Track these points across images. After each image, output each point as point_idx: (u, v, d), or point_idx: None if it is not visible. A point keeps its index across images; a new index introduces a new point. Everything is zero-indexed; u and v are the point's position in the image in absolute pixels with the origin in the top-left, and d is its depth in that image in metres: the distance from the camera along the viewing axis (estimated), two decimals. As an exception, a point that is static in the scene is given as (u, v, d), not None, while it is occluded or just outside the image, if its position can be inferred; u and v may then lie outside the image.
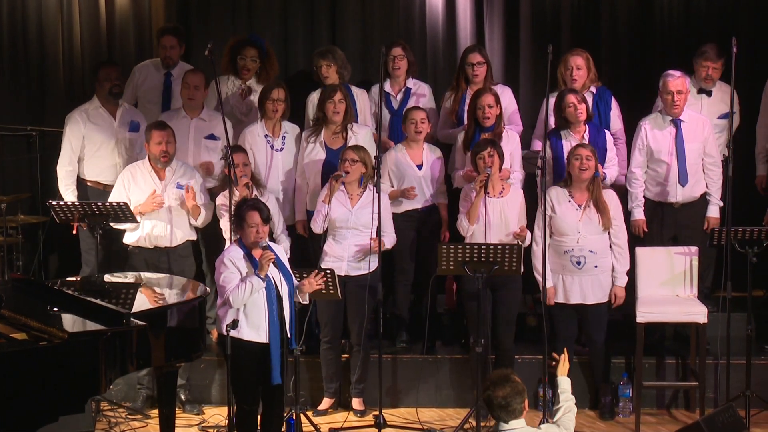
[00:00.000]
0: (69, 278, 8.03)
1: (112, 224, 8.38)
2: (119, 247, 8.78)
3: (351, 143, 8.60)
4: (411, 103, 9.06)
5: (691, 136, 8.56)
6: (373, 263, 8.25)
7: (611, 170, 8.60)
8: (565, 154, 8.38)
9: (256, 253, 7.07)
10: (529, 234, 8.18)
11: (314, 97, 9.08)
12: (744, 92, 9.10)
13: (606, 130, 8.67)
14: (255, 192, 8.28)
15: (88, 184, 8.94)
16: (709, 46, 8.93)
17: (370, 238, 8.16)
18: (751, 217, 8.78)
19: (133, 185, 8.42)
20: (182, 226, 8.51)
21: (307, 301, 7.41)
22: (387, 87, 9.08)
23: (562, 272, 8.23)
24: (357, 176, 8.21)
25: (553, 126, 8.62)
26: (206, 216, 8.51)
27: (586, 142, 8.41)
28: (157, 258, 8.45)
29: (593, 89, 8.87)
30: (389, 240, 8.32)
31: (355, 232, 8.24)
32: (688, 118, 8.59)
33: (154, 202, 8.33)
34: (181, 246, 8.54)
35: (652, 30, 9.85)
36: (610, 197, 8.21)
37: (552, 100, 8.52)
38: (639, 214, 8.70)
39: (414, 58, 9.19)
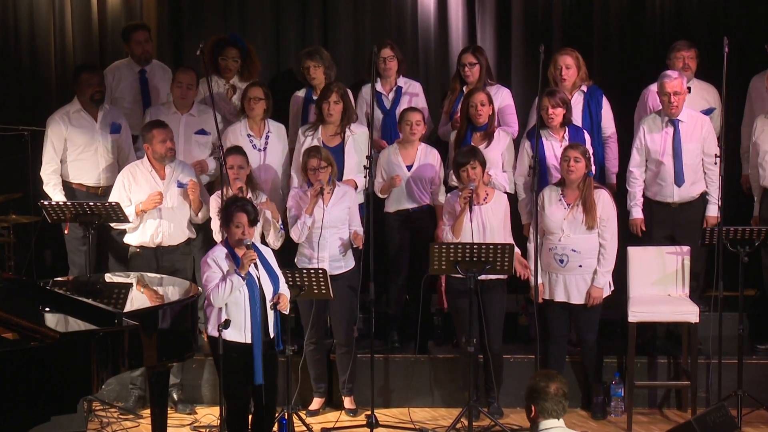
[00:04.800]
0: (60, 278, 8.04)
1: (112, 225, 8.40)
2: (112, 247, 8.78)
3: (348, 143, 8.61)
4: (403, 102, 9.08)
5: (689, 136, 8.57)
6: (351, 262, 8.27)
7: None
8: (546, 153, 8.44)
9: (240, 251, 7.08)
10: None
11: (299, 96, 9.14)
12: (736, 91, 9.11)
13: (585, 131, 8.64)
14: (249, 194, 8.26)
15: (73, 186, 8.91)
16: (678, 40, 9.03)
17: (350, 232, 8.21)
18: (743, 217, 8.78)
19: (134, 185, 8.41)
20: (183, 225, 8.53)
21: (287, 312, 7.37)
22: (378, 87, 9.08)
23: (548, 270, 8.25)
24: (326, 179, 8.22)
25: (533, 125, 8.64)
26: (206, 212, 8.52)
27: (567, 142, 8.43)
28: (158, 257, 8.47)
29: (584, 88, 8.89)
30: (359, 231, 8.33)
31: (332, 230, 8.24)
32: (687, 117, 8.59)
33: (155, 200, 8.33)
34: (182, 244, 8.56)
35: (643, 29, 9.85)
36: (601, 197, 8.20)
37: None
38: (637, 213, 8.72)
39: (403, 56, 9.19)
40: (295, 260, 8.35)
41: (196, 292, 7.34)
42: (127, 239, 8.55)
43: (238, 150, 8.42)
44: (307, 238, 8.24)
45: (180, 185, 8.45)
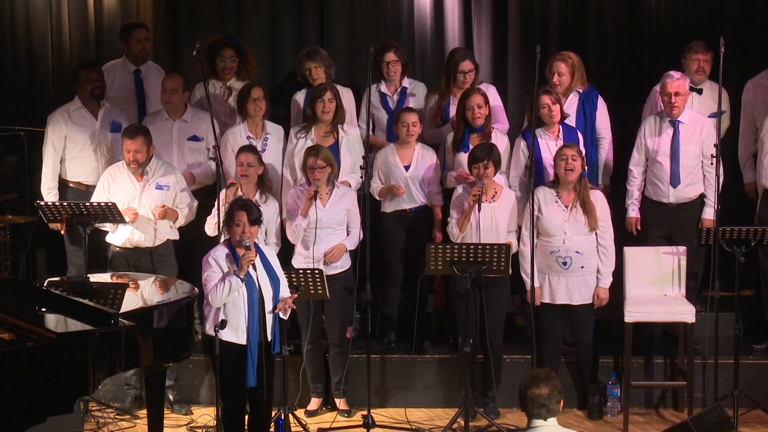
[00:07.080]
0: (56, 278, 8.03)
1: (95, 225, 8.36)
2: (104, 247, 8.78)
3: (342, 143, 8.60)
4: (408, 103, 9.04)
5: (688, 137, 8.57)
6: (347, 262, 8.27)
7: None
8: (542, 153, 8.42)
9: (241, 252, 7.07)
10: (514, 241, 8.20)
11: (299, 97, 9.09)
12: (732, 92, 9.10)
13: (578, 131, 8.66)
14: (257, 194, 8.25)
15: (71, 185, 8.92)
16: (696, 41, 9.00)
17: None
18: (740, 217, 8.78)
19: (113, 187, 8.40)
20: (163, 226, 8.49)
21: (286, 318, 7.37)
22: (383, 88, 9.06)
23: (548, 272, 8.23)
24: (325, 179, 8.20)
25: (526, 125, 8.65)
26: (187, 216, 8.51)
27: (561, 141, 8.43)
28: (138, 258, 8.45)
29: (580, 89, 8.87)
30: (352, 240, 8.29)
31: (329, 231, 8.23)
32: (688, 119, 8.59)
33: (127, 215, 8.28)
34: (162, 246, 8.52)
35: (640, 29, 9.85)
36: (597, 198, 8.22)
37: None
38: (633, 212, 8.74)
39: (407, 59, 9.16)
40: (292, 260, 8.34)
41: (192, 291, 7.34)
42: (108, 239, 8.53)
43: (250, 149, 8.40)
44: (303, 237, 8.24)
45: (159, 188, 8.41)
